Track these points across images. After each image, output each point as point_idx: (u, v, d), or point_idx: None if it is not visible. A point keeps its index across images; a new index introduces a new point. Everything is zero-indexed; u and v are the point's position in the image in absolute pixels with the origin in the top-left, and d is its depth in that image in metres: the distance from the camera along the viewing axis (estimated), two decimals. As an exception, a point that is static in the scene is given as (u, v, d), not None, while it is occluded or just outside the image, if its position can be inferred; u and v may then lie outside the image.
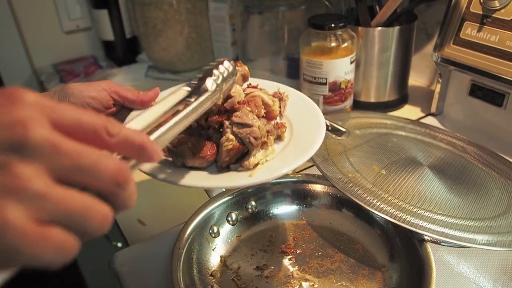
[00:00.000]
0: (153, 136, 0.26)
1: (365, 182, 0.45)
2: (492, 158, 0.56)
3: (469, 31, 0.58)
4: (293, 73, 0.80)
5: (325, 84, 0.64)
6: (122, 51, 0.96)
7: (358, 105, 0.72)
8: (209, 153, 0.36)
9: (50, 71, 0.92)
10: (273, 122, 0.41)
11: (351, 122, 0.62)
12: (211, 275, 0.41)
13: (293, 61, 0.80)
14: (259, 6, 0.77)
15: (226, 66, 0.36)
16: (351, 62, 0.64)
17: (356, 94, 0.71)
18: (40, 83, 0.94)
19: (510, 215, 0.45)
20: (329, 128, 0.58)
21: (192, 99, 0.33)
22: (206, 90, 0.33)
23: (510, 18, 0.53)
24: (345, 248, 0.44)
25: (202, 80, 0.34)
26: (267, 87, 0.44)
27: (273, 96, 0.43)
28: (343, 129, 0.57)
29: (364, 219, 0.46)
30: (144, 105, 0.43)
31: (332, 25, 0.61)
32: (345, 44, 0.63)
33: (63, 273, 1.29)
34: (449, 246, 0.42)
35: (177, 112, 0.30)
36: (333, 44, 0.63)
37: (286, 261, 0.43)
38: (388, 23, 0.66)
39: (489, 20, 0.55)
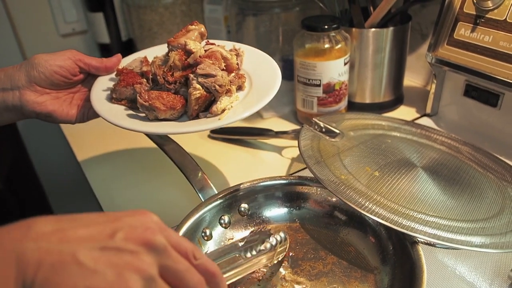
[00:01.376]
0: (224, 274, 0.34)
1: (358, 184, 0.45)
2: (486, 158, 0.56)
3: (463, 31, 0.58)
4: (288, 75, 0.80)
5: (319, 85, 0.64)
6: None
7: (353, 106, 0.71)
8: (179, 104, 0.40)
9: (46, 75, 0.92)
10: (233, 74, 0.45)
11: (346, 123, 0.61)
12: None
13: (288, 62, 0.80)
14: (254, 8, 0.77)
15: (279, 238, 0.41)
16: (345, 64, 0.64)
17: (351, 95, 0.71)
18: (37, 87, 0.94)
19: (504, 216, 0.45)
20: (323, 129, 0.58)
21: (250, 256, 0.38)
22: (265, 252, 0.39)
23: (503, 18, 0.53)
24: (338, 251, 0.44)
25: (259, 242, 0.40)
26: (224, 45, 0.48)
27: (233, 51, 0.48)
28: (337, 131, 0.57)
29: (356, 222, 0.46)
30: (108, 70, 0.46)
31: (326, 26, 0.61)
32: (339, 46, 0.63)
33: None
34: (444, 248, 0.42)
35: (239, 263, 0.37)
36: (326, 45, 0.63)
37: (278, 264, 0.43)
38: (382, 24, 0.66)
39: (483, 20, 0.55)
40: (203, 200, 0.45)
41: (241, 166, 0.62)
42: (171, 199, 0.56)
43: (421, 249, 0.39)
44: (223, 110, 0.41)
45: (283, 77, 0.80)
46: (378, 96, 0.71)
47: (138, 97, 0.41)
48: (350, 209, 0.44)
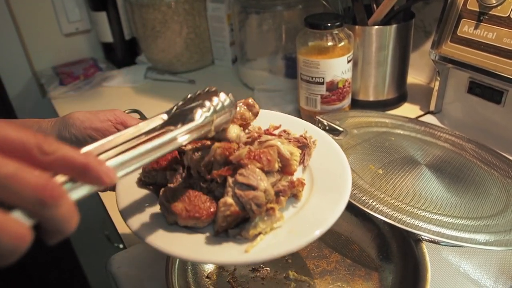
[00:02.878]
0: (112, 162, 0.24)
1: (362, 182, 0.45)
2: (490, 155, 0.55)
3: (466, 28, 0.57)
4: (291, 73, 0.80)
5: (322, 83, 0.64)
6: (121, 53, 0.96)
7: (357, 104, 0.71)
8: (205, 213, 0.32)
9: (50, 74, 0.93)
10: (289, 178, 0.35)
11: (349, 121, 0.61)
12: (207, 277, 0.41)
13: (292, 60, 0.80)
14: (257, 6, 0.77)
15: (222, 99, 0.32)
16: (348, 61, 0.64)
17: (355, 93, 0.71)
18: (40, 86, 0.95)
19: (508, 214, 0.44)
20: (327, 128, 0.58)
21: (172, 127, 0.29)
22: (192, 120, 0.30)
23: (507, 15, 0.53)
24: (342, 249, 0.44)
25: (189, 110, 0.31)
26: (292, 126, 0.39)
27: (299, 141, 0.37)
28: (341, 129, 0.57)
29: (360, 220, 0.46)
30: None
31: (329, 24, 0.61)
32: (342, 43, 0.63)
33: (65, 274, 1.30)
34: (448, 246, 0.42)
35: (151, 139, 0.28)
36: (329, 43, 0.62)
37: (282, 262, 0.43)
38: (385, 22, 0.65)
39: (486, 17, 0.55)
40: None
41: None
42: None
43: (425, 247, 0.39)
44: (257, 235, 0.31)
45: (286, 75, 0.81)
46: (382, 93, 0.70)
47: (160, 192, 0.33)
48: (354, 208, 0.44)
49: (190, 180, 0.35)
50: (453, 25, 0.59)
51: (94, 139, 0.37)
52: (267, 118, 0.41)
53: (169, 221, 0.33)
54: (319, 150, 0.38)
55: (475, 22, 0.56)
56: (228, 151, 0.33)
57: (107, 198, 0.57)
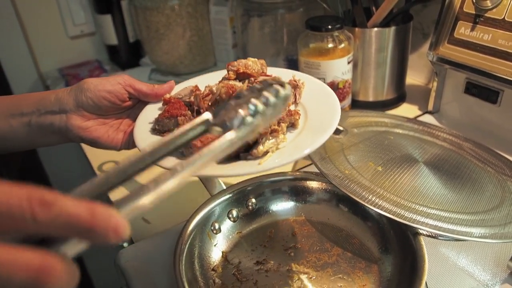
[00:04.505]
0: (124, 210, 0.20)
1: (362, 178, 0.47)
2: (487, 153, 0.57)
3: (463, 30, 0.59)
4: (292, 74, 0.81)
5: (323, 84, 0.66)
6: (126, 55, 0.98)
7: (357, 104, 0.73)
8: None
9: (56, 76, 0.95)
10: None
11: (349, 121, 0.63)
12: (213, 269, 0.43)
13: (293, 62, 0.81)
14: (259, 9, 0.79)
15: (275, 93, 0.28)
16: (348, 63, 0.66)
17: (355, 94, 0.73)
18: (46, 87, 0.97)
19: (503, 209, 0.46)
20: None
21: (218, 129, 0.27)
22: (231, 128, 0.26)
23: (502, 17, 0.55)
24: (342, 243, 0.46)
25: (233, 109, 0.26)
26: (283, 75, 0.44)
27: (290, 83, 0.42)
28: (341, 128, 0.58)
29: (360, 215, 0.47)
30: (158, 98, 0.44)
31: (329, 26, 0.62)
32: (342, 45, 0.64)
33: None
34: (446, 240, 0.44)
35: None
36: (330, 45, 0.64)
37: (285, 256, 0.44)
38: (384, 24, 0.67)
39: (482, 19, 0.57)
40: (211, 195, 0.47)
41: (247, 163, 0.63)
42: (182, 195, 0.57)
43: (422, 239, 0.40)
44: (266, 153, 0.36)
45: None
46: (381, 94, 0.72)
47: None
48: (354, 203, 0.46)
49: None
50: (450, 27, 0.61)
51: (108, 101, 0.42)
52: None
53: (185, 152, 0.36)
54: (310, 91, 0.44)
55: (472, 24, 0.58)
56: (231, 90, 0.39)
57: (114, 195, 0.58)
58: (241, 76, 0.44)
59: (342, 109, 0.70)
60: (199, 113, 0.41)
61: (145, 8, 0.87)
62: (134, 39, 0.98)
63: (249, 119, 0.26)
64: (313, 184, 0.50)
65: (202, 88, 0.44)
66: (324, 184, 0.50)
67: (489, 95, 0.62)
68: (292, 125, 0.40)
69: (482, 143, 0.58)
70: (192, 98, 0.43)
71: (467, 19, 0.59)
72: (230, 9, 0.89)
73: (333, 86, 0.66)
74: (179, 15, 0.88)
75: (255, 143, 0.36)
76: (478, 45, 0.58)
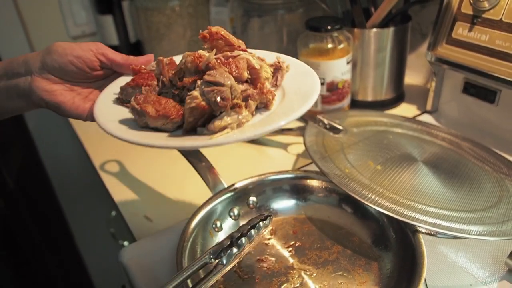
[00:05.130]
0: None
1: (361, 177, 0.47)
2: (485, 152, 0.58)
3: (461, 31, 0.60)
4: (292, 74, 0.82)
5: (322, 84, 0.67)
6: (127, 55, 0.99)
7: (356, 104, 0.74)
8: (174, 113, 0.34)
9: (57, 76, 0.95)
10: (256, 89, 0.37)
11: (349, 120, 0.64)
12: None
13: (292, 62, 0.82)
14: (259, 10, 0.80)
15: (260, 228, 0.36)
16: (348, 63, 0.66)
17: (354, 94, 0.73)
18: (47, 88, 0.97)
19: (501, 207, 0.47)
20: (327, 126, 0.60)
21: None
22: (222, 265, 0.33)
23: (499, 18, 0.55)
24: (342, 240, 0.46)
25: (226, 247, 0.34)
26: (267, 57, 0.42)
27: (272, 65, 0.40)
28: (340, 127, 0.59)
29: (360, 213, 0.48)
30: (133, 70, 0.41)
31: (329, 27, 0.63)
32: (342, 46, 0.65)
33: (70, 272, 1.31)
34: (445, 237, 0.44)
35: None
36: (329, 45, 0.65)
37: (286, 253, 0.45)
38: (383, 24, 0.68)
39: (479, 20, 0.57)
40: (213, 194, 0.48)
41: (248, 162, 0.64)
42: (184, 193, 0.58)
43: (421, 237, 0.41)
44: (224, 128, 0.33)
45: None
46: (380, 94, 0.73)
47: (132, 99, 0.36)
48: (354, 201, 0.46)
49: (163, 90, 0.38)
50: (448, 27, 0.61)
51: (75, 66, 0.40)
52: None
53: (140, 123, 0.35)
54: (295, 76, 0.41)
55: (469, 24, 0.59)
56: (199, 60, 0.35)
57: (116, 194, 0.59)
58: (214, 40, 0.40)
59: (342, 108, 0.71)
60: (164, 83, 0.39)
61: (146, 8, 0.88)
62: (135, 40, 0.99)
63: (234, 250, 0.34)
64: (314, 183, 0.51)
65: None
66: (324, 182, 0.51)
67: (487, 95, 0.63)
68: (265, 106, 0.37)
69: (480, 142, 0.59)
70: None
71: (465, 19, 0.59)
72: (230, 10, 0.89)
73: (333, 86, 0.67)
74: (180, 15, 0.88)
75: (214, 116, 0.34)
76: (475, 45, 0.58)
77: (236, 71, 0.35)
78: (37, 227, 1.12)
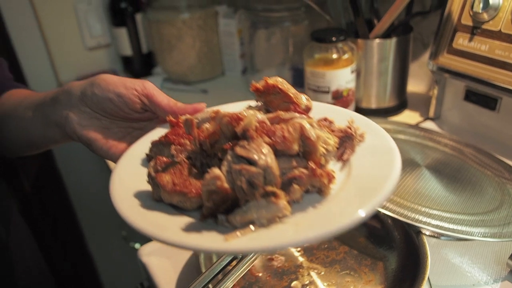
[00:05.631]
0: None
1: (366, 181, 0.49)
2: (486, 158, 0.60)
3: (461, 41, 0.62)
4: (298, 82, 0.85)
5: (328, 92, 0.69)
6: (139, 65, 1.03)
7: (360, 111, 0.75)
8: (194, 190, 0.26)
9: (72, 85, 0.99)
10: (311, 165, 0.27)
11: (354, 127, 0.66)
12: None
13: (298, 71, 0.85)
14: (266, 22, 0.83)
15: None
16: (352, 72, 0.69)
17: (358, 101, 0.76)
18: (63, 97, 1.01)
19: (502, 210, 0.48)
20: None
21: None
22: None
23: (498, 29, 0.58)
24: (349, 241, 0.48)
25: None
26: (336, 114, 0.33)
27: (342, 131, 0.30)
28: (346, 134, 0.61)
29: (366, 215, 0.50)
30: (170, 122, 0.35)
31: (333, 38, 0.66)
32: (346, 56, 0.68)
33: (81, 276, 1.32)
34: (448, 239, 0.46)
35: None
36: (334, 55, 0.68)
37: (295, 253, 0.47)
38: (385, 35, 0.70)
39: (479, 31, 0.60)
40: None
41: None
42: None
43: (425, 237, 0.43)
44: (248, 224, 0.24)
45: (293, 85, 0.86)
46: (383, 101, 0.75)
47: (151, 162, 0.29)
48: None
49: (191, 154, 0.30)
50: (448, 38, 0.64)
51: (115, 105, 0.36)
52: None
53: (154, 196, 0.28)
54: (370, 149, 0.30)
55: (469, 35, 0.61)
56: (236, 122, 0.26)
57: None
58: (270, 94, 0.33)
59: (347, 116, 0.73)
60: (193, 147, 0.30)
61: (158, 21, 0.92)
62: (147, 50, 1.03)
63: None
64: (321, 187, 0.53)
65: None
66: (331, 186, 0.53)
67: (488, 102, 0.65)
68: (319, 191, 0.27)
69: (482, 148, 0.61)
70: (207, 125, 0.30)
71: (465, 30, 0.62)
72: (238, 22, 0.93)
73: (338, 94, 0.70)
74: (190, 27, 0.92)
75: (237, 205, 0.25)
76: (476, 55, 0.61)
77: (282, 143, 0.26)
78: (49, 229, 1.15)
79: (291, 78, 0.86)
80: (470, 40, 0.61)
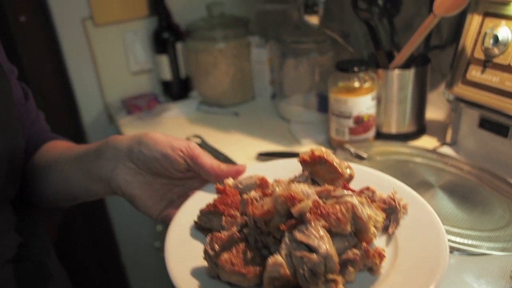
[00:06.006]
0: None
1: (382, 197, 0.55)
2: (498, 181, 0.63)
3: (474, 73, 0.68)
4: (323, 108, 0.92)
5: (350, 117, 0.76)
6: (177, 89, 1.13)
7: (381, 136, 0.82)
8: (252, 270, 0.27)
9: (118, 105, 1.11)
10: (363, 245, 0.28)
11: (373, 149, 0.72)
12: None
13: (323, 97, 0.92)
14: (294, 52, 0.91)
15: None
16: (372, 99, 0.76)
17: (378, 126, 0.81)
18: (110, 115, 1.13)
19: (509, 229, 0.52)
20: (353, 154, 0.69)
21: None
22: None
23: (507, 63, 0.63)
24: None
25: None
26: (380, 183, 0.33)
27: (385, 202, 0.31)
28: (365, 156, 0.67)
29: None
30: (219, 180, 0.37)
31: (355, 68, 0.73)
32: (367, 84, 0.75)
33: (113, 285, 1.38)
34: (455, 251, 0.50)
35: None
36: (356, 84, 0.75)
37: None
38: (405, 66, 0.77)
39: (490, 64, 0.65)
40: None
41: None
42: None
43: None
44: None
45: (319, 109, 0.93)
46: (403, 127, 0.81)
47: (207, 238, 0.30)
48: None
49: (246, 230, 0.30)
50: (463, 70, 0.69)
51: (160, 165, 0.38)
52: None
53: (210, 273, 0.29)
54: (412, 217, 0.31)
55: (481, 67, 0.67)
56: (291, 202, 0.27)
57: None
58: (316, 164, 0.33)
59: (367, 139, 0.79)
60: (247, 224, 0.31)
61: (197, 50, 1.02)
62: (185, 76, 1.14)
63: None
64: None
65: (271, 179, 0.34)
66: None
67: (501, 130, 0.69)
68: (369, 270, 0.28)
69: (495, 172, 0.65)
70: (253, 194, 0.31)
71: (478, 63, 0.67)
72: (269, 52, 1.02)
73: (359, 119, 0.76)
74: (225, 56, 1.02)
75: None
76: (488, 86, 0.66)
77: (337, 226, 0.27)
78: (86, 237, 1.23)
79: (316, 103, 0.93)
80: (482, 72, 0.66)
